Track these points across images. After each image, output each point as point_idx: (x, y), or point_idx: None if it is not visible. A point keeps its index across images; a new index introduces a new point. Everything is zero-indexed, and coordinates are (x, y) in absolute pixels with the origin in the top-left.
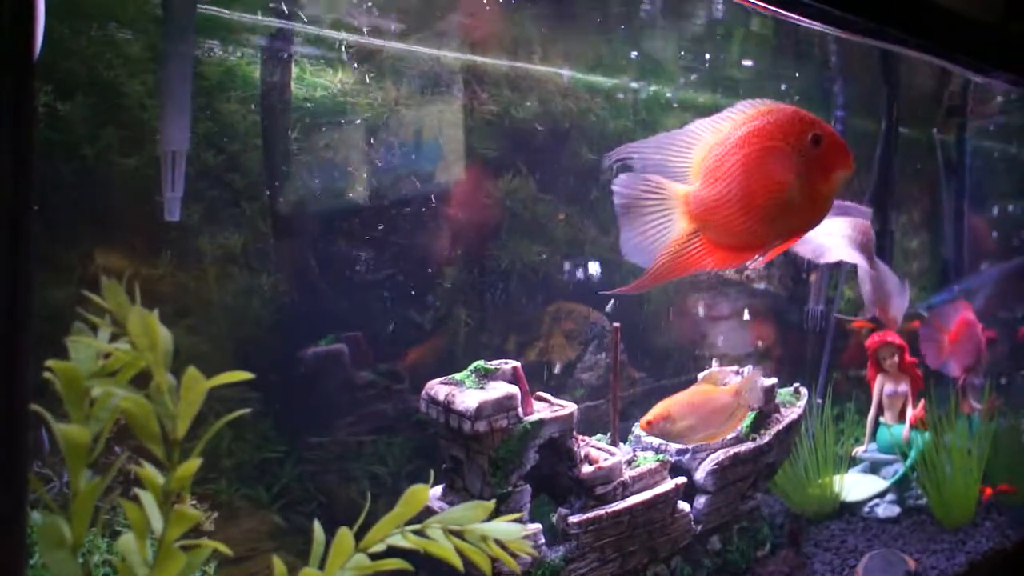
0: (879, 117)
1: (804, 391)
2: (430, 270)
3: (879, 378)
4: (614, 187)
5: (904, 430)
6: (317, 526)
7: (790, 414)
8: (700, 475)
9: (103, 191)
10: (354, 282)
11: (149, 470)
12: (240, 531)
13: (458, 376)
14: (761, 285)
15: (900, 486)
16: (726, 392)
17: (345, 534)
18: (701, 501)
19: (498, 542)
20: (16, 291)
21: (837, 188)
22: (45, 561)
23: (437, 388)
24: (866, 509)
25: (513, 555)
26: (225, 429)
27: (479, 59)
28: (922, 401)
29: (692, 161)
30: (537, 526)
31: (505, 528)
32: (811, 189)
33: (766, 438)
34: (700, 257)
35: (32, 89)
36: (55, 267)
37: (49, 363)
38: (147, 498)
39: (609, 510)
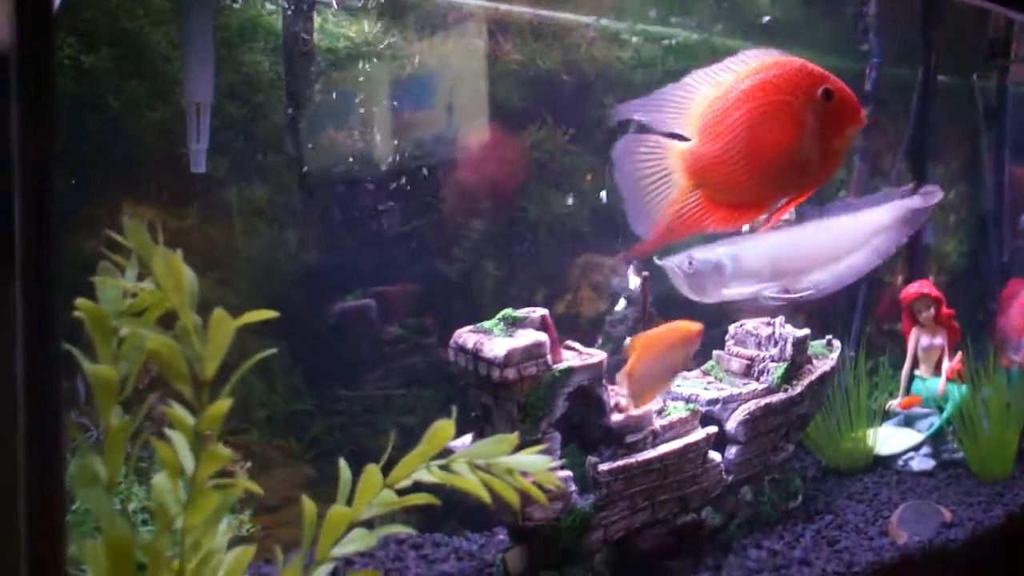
0: (916, 64)
1: (837, 343)
2: (457, 223)
3: (914, 331)
4: (613, 155)
5: (940, 383)
6: (343, 463)
7: (822, 366)
8: (731, 425)
9: (129, 144)
10: (380, 235)
11: (179, 411)
12: (273, 481)
13: (486, 324)
14: None
15: (935, 440)
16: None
17: (373, 470)
18: (732, 451)
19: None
20: (43, 245)
21: (849, 144)
22: (81, 498)
23: (465, 336)
24: (900, 463)
25: (541, 502)
26: (256, 381)
27: (503, 7)
28: (959, 353)
29: (690, 116)
30: (567, 472)
31: (532, 460)
32: (822, 146)
33: (798, 389)
34: (700, 217)
35: (51, 42)
36: (82, 221)
37: (77, 302)
38: (178, 438)
39: (639, 459)
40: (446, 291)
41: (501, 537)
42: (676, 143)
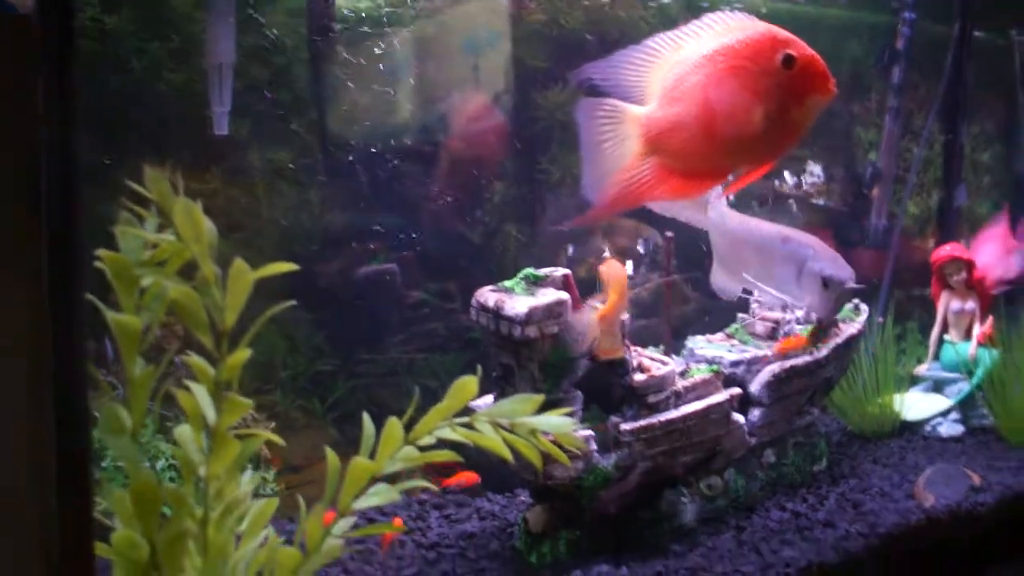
0: (952, 19)
1: (864, 307)
2: (479, 185)
3: (944, 295)
4: (576, 117)
5: (971, 347)
6: (366, 417)
7: (849, 329)
8: (755, 387)
9: (152, 105)
10: (403, 197)
11: (199, 360)
12: (297, 441)
13: (508, 283)
14: (820, 200)
15: (965, 405)
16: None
17: (394, 424)
18: (756, 414)
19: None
20: (68, 202)
21: (812, 115)
22: (107, 445)
23: (487, 295)
24: (928, 428)
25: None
26: (279, 342)
27: None
28: (990, 318)
29: (649, 80)
30: (588, 432)
31: (555, 421)
32: (780, 115)
33: (823, 352)
34: (652, 184)
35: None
36: (105, 183)
37: (99, 252)
38: (200, 390)
39: (661, 419)
40: (469, 255)
41: (523, 499)
42: (633, 107)
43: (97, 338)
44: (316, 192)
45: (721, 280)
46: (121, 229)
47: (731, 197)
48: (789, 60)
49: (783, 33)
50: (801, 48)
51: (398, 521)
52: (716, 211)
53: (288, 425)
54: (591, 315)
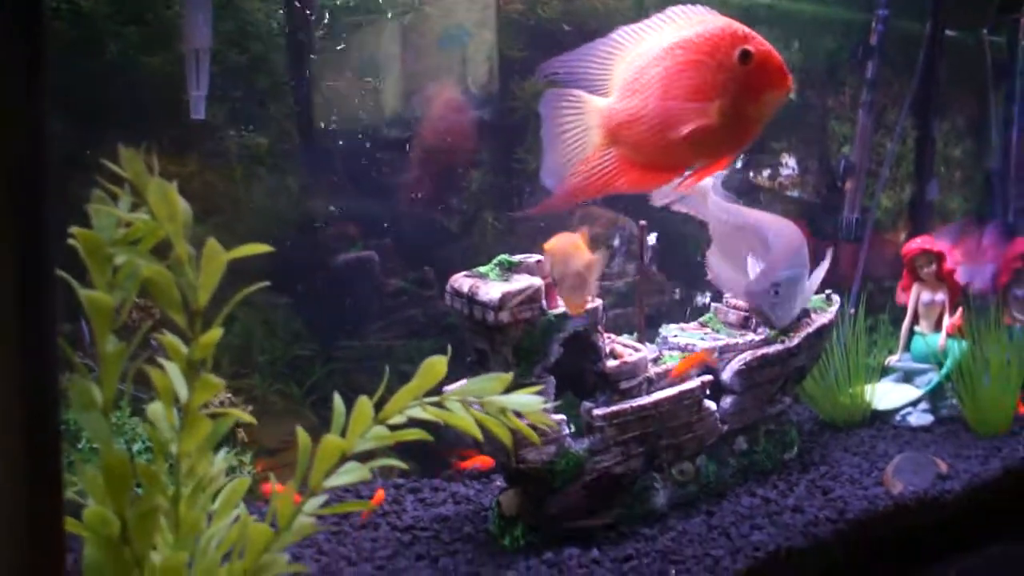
0: (925, 18)
1: (836, 298)
2: (457, 174)
3: (915, 287)
4: (540, 108)
5: (940, 339)
6: (337, 397)
7: (820, 319)
8: (727, 375)
9: (128, 89)
10: (381, 185)
11: (172, 339)
12: (274, 425)
13: (482, 269)
14: (794, 192)
15: (934, 395)
16: (581, 260)
17: (364, 403)
18: (728, 401)
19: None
20: (38, 188)
21: (768, 111)
22: (79, 421)
23: (461, 280)
24: (897, 418)
25: (536, 446)
26: (256, 325)
27: None
28: (960, 309)
29: (612, 72)
30: (561, 416)
31: (525, 400)
32: (736, 111)
33: (795, 341)
34: (612, 176)
35: None
36: (81, 166)
37: (72, 229)
38: (171, 367)
39: (633, 404)
40: (447, 242)
41: (498, 484)
42: (596, 99)
43: (73, 320)
44: (294, 178)
45: (720, 269)
46: (95, 207)
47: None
48: (746, 55)
49: (742, 28)
50: (758, 44)
51: (380, 493)
52: (715, 201)
53: (266, 409)
54: (591, 257)
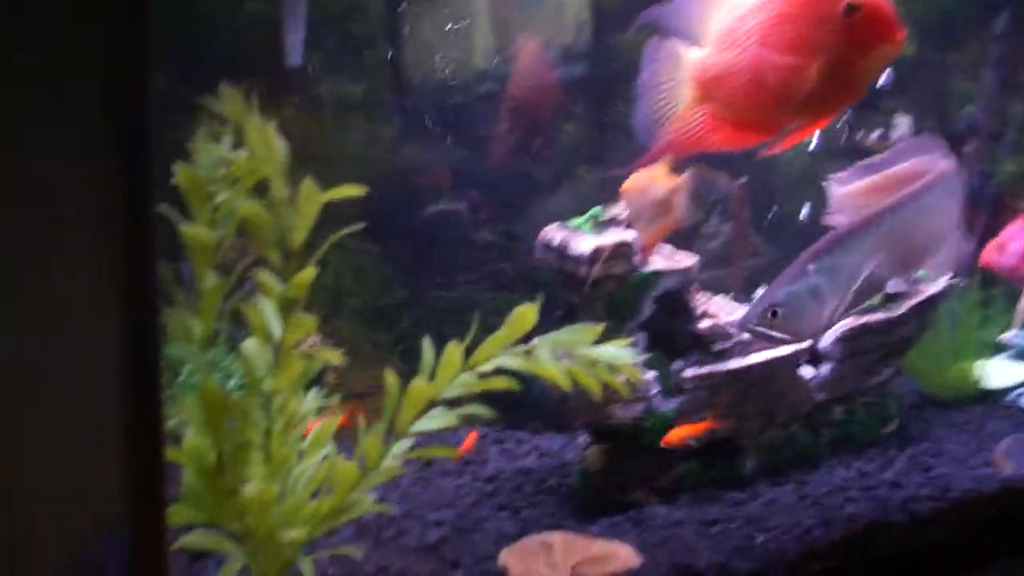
0: None
1: None
2: (549, 126)
3: None
4: (640, 57)
5: None
6: (426, 342)
7: (929, 289)
8: (826, 342)
9: (226, 34)
10: (472, 137)
11: (268, 277)
12: (363, 371)
13: (575, 222)
14: None
15: None
16: (664, 186)
17: (454, 349)
18: (825, 369)
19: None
20: (142, 128)
21: (876, 68)
22: (177, 354)
23: (553, 233)
24: (1010, 397)
25: (624, 403)
26: (347, 272)
27: None
28: None
29: (708, 24)
30: (651, 373)
31: (615, 352)
32: (840, 68)
33: (901, 310)
34: (702, 133)
35: None
36: (180, 109)
37: (175, 166)
38: (266, 304)
39: (726, 367)
40: (537, 196)
41: (583, 439)
42: (690, 51)
43: (175, 261)
44: (387, 128)
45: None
46: (197, 145)
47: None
48: (851, 7)
49: None
50: None
51: (473, 435)
52: None
53: (354, 355)
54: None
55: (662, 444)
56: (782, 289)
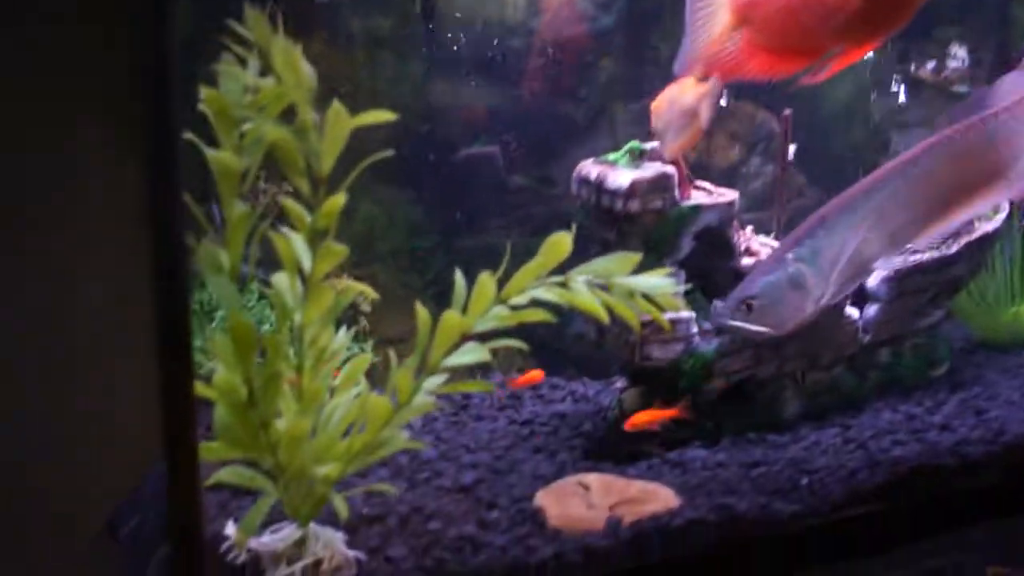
0: None
1: (1004, 204)
2: (584, 62)
3: None
4: None
5: None
6: (458, 275)
7: (983, 227)
8: (873, 282)
9: None
10: (504, 75)
11: (296, 206)
12: (394, 315)
13: (612, 156)
14: (963, 87)
15: None
16: (692, 94)
17: (486, 280)
18: (872, 310)
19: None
20: (165, 50)
21: None
22: (207, 284)
23: (589, 168)
24: None
25: (662, 342)
26: (378, 214)
27: None
28: None
29: None
30: (690, 313)
31: (654, 282)
32: None
33: (953, 248)
34: (738, 60)
35: None
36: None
37: (202, 91)
38: (295, 235)
39: None
40: (573, 135)
41: (619, 385)
42: None
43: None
44: (417, 64)
45: None
46: (223, 69)
47: None
48: None
49: None
50: None
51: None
52: None
53: (386, 298)
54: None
55: (626, 428)
56: (757, 280)
